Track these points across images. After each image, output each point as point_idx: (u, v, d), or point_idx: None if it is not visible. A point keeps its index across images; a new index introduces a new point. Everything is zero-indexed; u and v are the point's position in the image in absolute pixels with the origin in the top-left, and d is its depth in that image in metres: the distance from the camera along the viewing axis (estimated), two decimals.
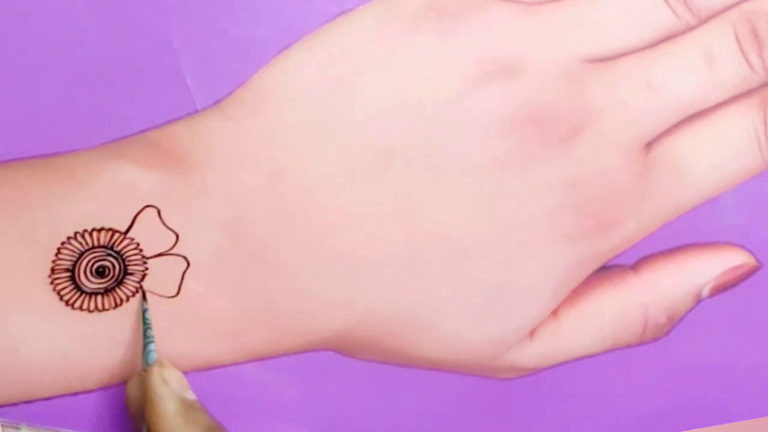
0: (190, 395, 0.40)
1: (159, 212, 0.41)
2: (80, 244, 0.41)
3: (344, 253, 0.42)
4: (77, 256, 0.41)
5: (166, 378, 0.39)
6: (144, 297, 0.41)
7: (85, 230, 0.40)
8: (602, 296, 0.45)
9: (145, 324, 0.41)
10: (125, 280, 0.41)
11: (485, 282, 0.44)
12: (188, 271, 0.41)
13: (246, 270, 0.42)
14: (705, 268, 0.46)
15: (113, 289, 0.41)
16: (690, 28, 0.43)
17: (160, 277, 0.41)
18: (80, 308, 0.41)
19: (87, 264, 0.41)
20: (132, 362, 0.42)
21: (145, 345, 0.40)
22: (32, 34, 0.39)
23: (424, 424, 0.46)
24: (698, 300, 0.46)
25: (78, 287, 0.41)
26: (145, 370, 0.40)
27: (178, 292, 0.42)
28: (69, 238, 0.40)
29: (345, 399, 0.45)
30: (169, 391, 0.39)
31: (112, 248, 0.41)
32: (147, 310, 0.41)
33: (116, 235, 0.41)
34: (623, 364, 0.46)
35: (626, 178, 0.44)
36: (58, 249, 0.40)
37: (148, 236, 0.41)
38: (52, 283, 0.41)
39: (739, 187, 0.45)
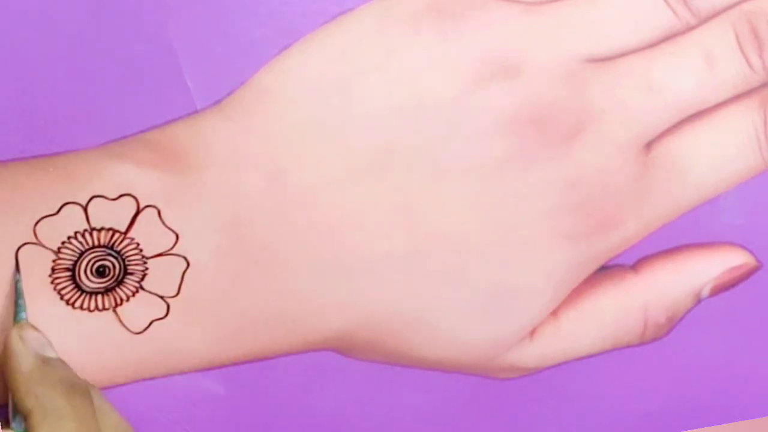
0: (50, 353, 0.39)
1: (159, 212, 0.41)
2: (80, 243, 0.41)
3: (344, 253, 0.42)
4: (77, 255, 0.41)
5: (24, 337, 0.39)
6: (17, 269, 0.40)
7: (85, 230, 0.41)
8: (602, 296, 0.45)
9: (17, 294, 0.40)
10: (125, 280, 0.41)
11: (485, 282, 0.44)
12: (188, 271, 0.41)
13: (246, 270, 0.42)
14: (705, 268, 0.46)
15: (113, 288, 0.41)
16: (690, 28, 0.43)
17: (160, 277, 0.41)
18: (80, 308, 0.41)
19: (87, 264, 0.41)
20: (132, 363, 0.42)
21: (16, 313, 0.40)
22: (32, 34, 0.39)
23: (424, 424, 0.46)
24: (698, 300, 0.46)
25: (78, 287, 0.41)
26: None
27: (178, 292, 0.42)
28: (69, 237, 0.40)
29: (345, 399, 0.45)
30: (25, 348, 0.39)
31: (112, 248, 0.41)
32: (19, 281, 0.40)
33: (116, 235, 0.41)
34: (623, 364, 0.46)
35: (626, 178, 0.44)
36: (59, 248, 0.40)
37: (149, 236, 0.41)
38: (52, 282, 0.41)
39: (739, 187, 0.45)
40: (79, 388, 0.38)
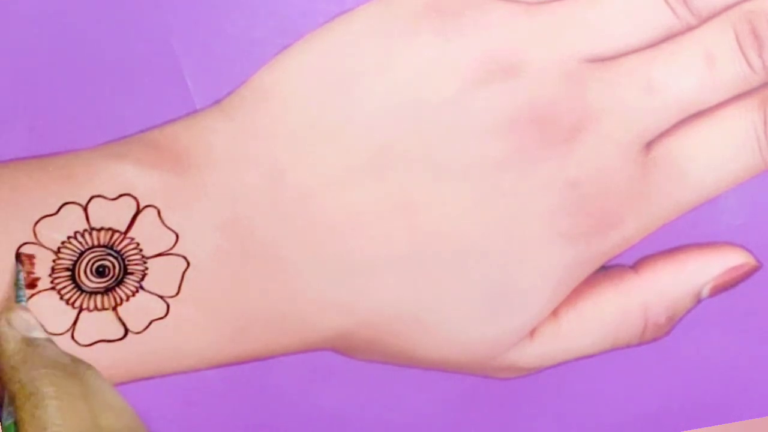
0: (38, 333, 0.39)
1: (159, 212, 0.41)
2: (80, 243, 0.41)
3: (344, 252, 0.42)
4: (77, 255, 0.41)
5: (10, 320, 0.39)
6: (18, 260, 0.40)
7: (85, 230, 0.41)
8: (602, 296, 0.45)
9: (17, 285, 0.40)
10: (125, 280, 0.41)
11: (485, 282, 0.44)
12: (188, 271, 0.41)
13: (246, 270, 0.42)
14: (705, 268, 0.46)
15: (113, 288, 0.41)
16: (690, 28, 0.43)
17: (160, 277, 0.41)
18: (80, 307, 0.41)
19: (87, 263, 0.41)
20: (132, 363, 0.42)
21: (16, 300, 0.40)
22: (32, 34, 0.39)
23: (424, 424, 0.46)
24: (698, 300, 0.46)
25: (78, 287, 0.41)
26: None
27: (178, 292, 0.42)
28: (69, 237, 0.40)
29: (345, 399, 0.45)
30: (12, 331, 0.38)
31: (112, 248, 0.41)
32: (21, 271, 0.40)
33: (116, 235, 0.41)
34: (623, 364, 0.46)
35: (626, 178, 0.44)
36: (58, 248, 0.40)
37: (148, 236, 0.41)
38: (52, 282, 0.41)
39: (739, 187, 0.45)
40: (66, 368, 0.37)
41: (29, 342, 0.38)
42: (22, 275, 0.40)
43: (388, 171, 0.42)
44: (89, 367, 0.38)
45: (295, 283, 0.42)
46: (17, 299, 0.40)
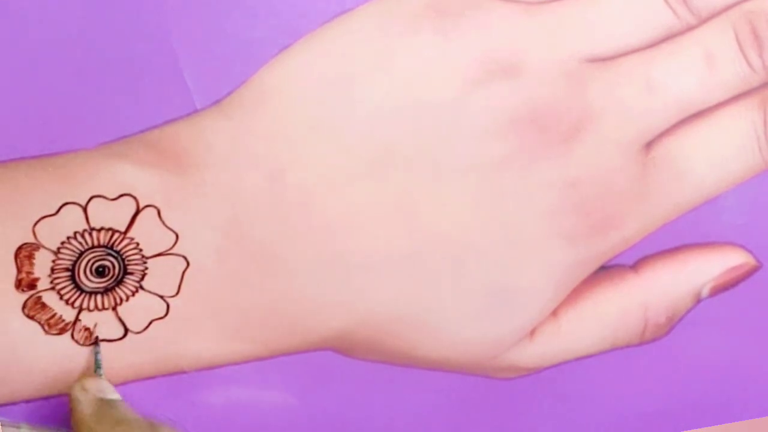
0: (110, 395, 0.41)
1: (159, 212, 0.41)
2: (80, 243, 0.41)
3: (344, 253, 0.42)
4: (77, 255, 0.41)
5: (86, 386, 0.41)
6: (96, 342, 0.41)
7: (85, 230, 0.41)
8: (602, 296, 0.45)
9: (96, 364, 0.41)
10: (125, 280, 0.41)
11: (485, 282, 0.44)
12: (188, 271, 0.41)
13: (246, 270, 0.42)
14: (705, 268, 0.46)
15: (113, 288, 0.41)
16: (690, 28, 0.43)
17: (160, 276, 0.41)
18: (80, 307, 0.41)
19: (87, 263, 0.41)
20: (132, 363, 0.42)
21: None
22: (32, 34, 0.39)
23: (424, 424, 0.46)
24: (698, 300, 0.46)
25: (78, 286, 0.41)
26: None
27: (177, 292, 0.42)
28: (69, 237, 0.40)
29: (345, 399, 0.45)
30: (87, 395, 0.40)
31: (112, 248, 0.41)
32: (98, 352, 0.41)
33: (116, 235, 0.41)
34: (623, 364, 0.46)
35: (626, 178, 0.44)
36: (58, 248, 0.40)
37: (148, 236, 0.41)
38: (51, 282, 0.41)
39: (739, 187, 0.45)
40: (140, 425, 0.39)
41: (104, 402, 0.40)
42: (100, 356, 0.41)
43: (389, 171, 0.42)
44: (162, 425, 0.40)
45: (294, 283, 0.42)
46: (95, 372, 0.41)
